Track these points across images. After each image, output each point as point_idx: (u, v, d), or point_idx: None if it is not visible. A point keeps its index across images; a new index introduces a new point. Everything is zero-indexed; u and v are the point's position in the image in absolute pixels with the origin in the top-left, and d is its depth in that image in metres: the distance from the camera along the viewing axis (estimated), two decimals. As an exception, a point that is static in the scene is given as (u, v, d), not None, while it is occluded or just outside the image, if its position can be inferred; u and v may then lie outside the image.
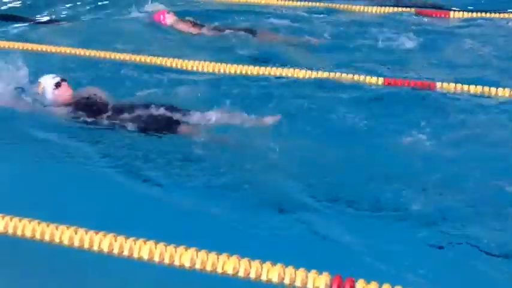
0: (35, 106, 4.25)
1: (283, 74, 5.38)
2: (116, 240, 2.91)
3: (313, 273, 2.67)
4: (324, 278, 2.65)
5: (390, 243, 3.02)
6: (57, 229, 2.99)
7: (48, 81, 4.25)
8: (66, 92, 4.25)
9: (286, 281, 2.65)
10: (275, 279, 2.67)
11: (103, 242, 2.91)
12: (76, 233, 2.97)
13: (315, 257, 2.97)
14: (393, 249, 2.97)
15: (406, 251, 2.96)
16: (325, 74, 5.36)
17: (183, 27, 6.13)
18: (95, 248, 2.92)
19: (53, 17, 8.10)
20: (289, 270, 2.70)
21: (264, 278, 2.69)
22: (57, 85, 4.23)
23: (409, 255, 2.92)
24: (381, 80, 5.28)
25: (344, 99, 4.81)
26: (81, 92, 4.30)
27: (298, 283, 2.66)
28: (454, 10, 7.82)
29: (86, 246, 2.93)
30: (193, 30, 6.07)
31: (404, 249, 2.98)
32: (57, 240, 2.97)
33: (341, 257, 2.99)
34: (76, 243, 2.94)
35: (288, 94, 4.86)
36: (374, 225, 3.25)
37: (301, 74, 5.40)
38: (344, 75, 5.32)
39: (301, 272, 2.68)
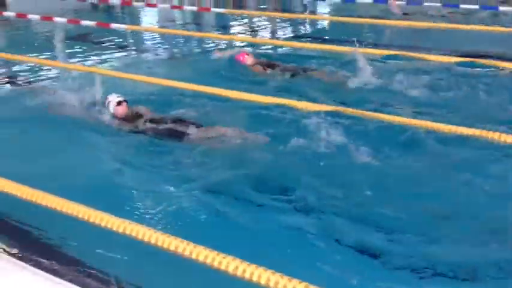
0: (99, 116, 5.31)
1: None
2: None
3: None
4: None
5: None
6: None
7: (113, 99, 5.22)
8: (123, 110, 5.21)
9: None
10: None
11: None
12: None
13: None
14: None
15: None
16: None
17: (258, 68, 6.94)
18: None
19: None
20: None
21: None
22: (119, 103, 5.18)
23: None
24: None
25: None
26: (133, 109, 5.27)
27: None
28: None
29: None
30: (265, 72, 6.87)
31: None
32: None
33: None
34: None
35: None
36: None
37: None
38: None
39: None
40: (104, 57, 8.40)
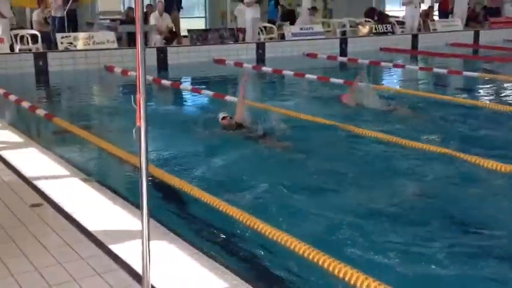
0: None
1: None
2: None
3: None
4: None
5: None
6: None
7: (221, 115, 7.06)
8: (227, 122, 6.96)
9: None
10: None
11: None
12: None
13: None
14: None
15: None
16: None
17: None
18: None
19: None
20: None
21: None
22: (224, 118, 6.98)
23: None
24: None
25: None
26: (234, 121, 7.03)
27: None
28: None
29: None
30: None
31: None
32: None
33: None
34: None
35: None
36: None
37: None
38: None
39: None
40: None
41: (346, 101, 8.73)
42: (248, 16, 15.71)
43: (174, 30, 15.71)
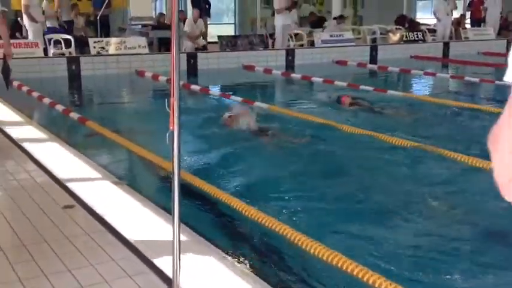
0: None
1: None
2: None
3: None
4: None
5: None
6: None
7: (226, 114, 7.57)
8: (229, 123, 7.47)
9: None
10: None
11: None
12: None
13: None
14: None
15: None
16: None
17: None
18: None
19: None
20: None
21: None
22: (230, 116, 7.49)
23: None
24: None
25: None
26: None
27: None
28: None
29: None
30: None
31: None
32: None
33: None
34: None
35: None
36: None
37: None
38: None
39: None
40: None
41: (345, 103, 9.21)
42: (278, 23, 15.76)
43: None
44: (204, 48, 15.38)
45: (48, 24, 14.34)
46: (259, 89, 12.31)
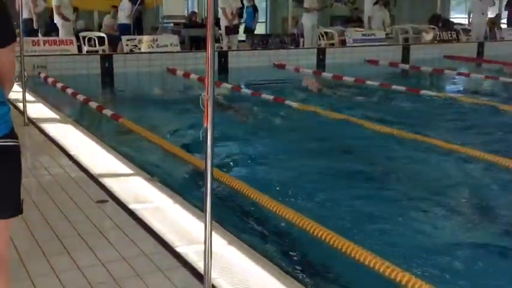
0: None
1: None
2: None
3: None
4: None
5: None
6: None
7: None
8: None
9: None
10: None
11: None
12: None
13: None
14: None
15: None
16: None
17: None
18: None
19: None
20: None
21: None
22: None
23: None
24: None
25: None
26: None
27: None
28: None
29: None
30: None
31: None
32: None
33: None
34: None
35: None
36: None
37: None
38: None
39: None
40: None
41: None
42: (308, 22, 15.72)
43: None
44: (235, 28, 15.31)
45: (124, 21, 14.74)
46: (289, 88, 12.26)
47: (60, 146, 6.09)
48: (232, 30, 14.94)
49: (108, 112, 8.23)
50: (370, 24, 17.24)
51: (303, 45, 15.94)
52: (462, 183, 5.59)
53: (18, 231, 3.82)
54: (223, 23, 14.64)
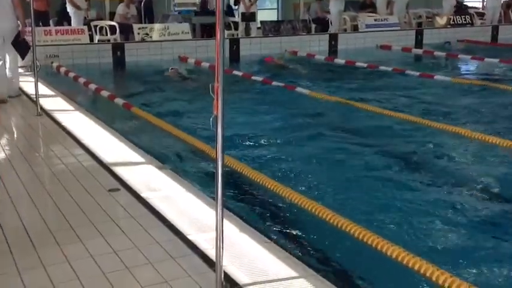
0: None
1: None
2: None
3: None
4: None
5: None
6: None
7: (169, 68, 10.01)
8: (172, 74, 9.64)
9: None
10: None
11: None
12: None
13: None
14: None
15: None
16: None
17: None
18: None
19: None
20: None
21: None
22: (172, 69, 10.09)
23: None
24: None
25: None
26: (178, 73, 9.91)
27: None
28: None
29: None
30: None
31: None
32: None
33: None
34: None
35: None
36: None
37: None
38: None
39: None
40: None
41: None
42: (334, 9, 15.75)
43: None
44: (252, 15, 15.30)
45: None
46: (301, 74, 12.19)
47: (73, 136, 6.12)
48: (248, 17, 14.91)
49: (120, 101, 8.24)
50: (392, 8, 17.00)
51: (328, 30, 15.89)
52: (479, 170, 5.54)
53: (31, 219, 3.85)
54: (241, 9, 14.66)
